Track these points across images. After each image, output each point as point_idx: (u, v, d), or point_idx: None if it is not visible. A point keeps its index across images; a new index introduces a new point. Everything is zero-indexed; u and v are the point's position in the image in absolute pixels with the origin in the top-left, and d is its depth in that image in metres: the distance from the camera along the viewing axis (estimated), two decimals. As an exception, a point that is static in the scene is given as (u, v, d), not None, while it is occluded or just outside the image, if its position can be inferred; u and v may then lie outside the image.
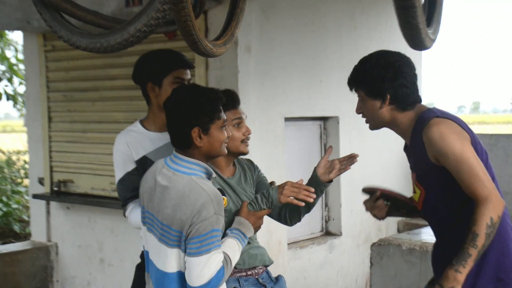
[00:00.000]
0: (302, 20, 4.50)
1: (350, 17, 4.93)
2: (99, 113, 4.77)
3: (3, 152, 9.86)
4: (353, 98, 5.28)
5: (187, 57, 2.58)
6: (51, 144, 5.13)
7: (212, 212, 2.00)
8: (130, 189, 2.48)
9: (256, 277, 2.47)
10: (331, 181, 2.50)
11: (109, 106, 4.69)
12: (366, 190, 2.56)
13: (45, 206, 5.23)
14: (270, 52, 4.24)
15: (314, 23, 4.61)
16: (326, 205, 4.96)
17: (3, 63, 9.17)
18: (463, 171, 2.08)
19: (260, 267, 2.50)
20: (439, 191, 2.21)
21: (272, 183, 2.61)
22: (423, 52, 4.99)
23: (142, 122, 2.68)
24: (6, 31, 9.11)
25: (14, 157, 9.66)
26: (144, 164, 2.47)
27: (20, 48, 9.54)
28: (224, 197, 2.43)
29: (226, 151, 2.20)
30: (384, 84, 2.24)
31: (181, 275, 2.07)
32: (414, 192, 2.32)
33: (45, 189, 5.17)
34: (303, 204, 2.34)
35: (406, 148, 2.43)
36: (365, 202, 2.56)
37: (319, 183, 2.47)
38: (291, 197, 2.32)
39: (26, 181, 7.96)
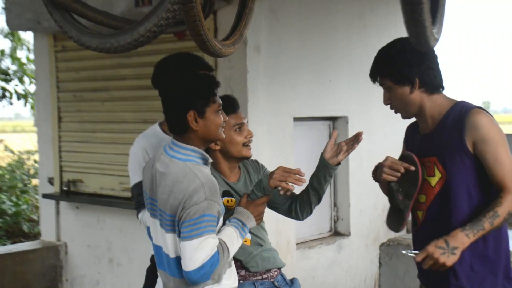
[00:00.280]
0: (311, 20, 4.50)
1: (359, 16, 4.92)
2: (108, 113, 4.79)
3: (14, 152, 9.90)
4: (362, 98, 5.26)
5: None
6: (61, 144, 5.15)
7: (202, 197, 2.00)
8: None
9: (272, 280, 2.46)
10: (339, 164, 2.49)
11: (118, 106, 4.70)
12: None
13: (54, 205, 5.26)
14: (279, 52, 4.23)
15: (323, 23, 4.60)
16: (335, 205, 4.96)
17: (14, 62, 9.23)
18: (498, 160, 2.16)
19: (275, 269, 2.50)
20: (465, 177, 2.22)
21: None
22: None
23: (161, 125, 2.69)
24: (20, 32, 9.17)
25: (24, 157, 9.70)
26: None
27: (32, 47, 9.61)
28: (232, 198, 2.43)
29: (223, 135, 2.19)
30: (412, 69, 2.25)
31: (179, 260, 2.07)
32: (430, 175, 2.29)
33: (54, 189, 5.19)
34: (293, 188, 2.32)
35: (414, 133, 2.43)
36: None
37: (327, 167, 2.46)
38: (282, 181, 2.30)
39: (36, 181, 7.99)
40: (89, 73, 4.88)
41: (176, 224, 2.04)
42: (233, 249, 2.13)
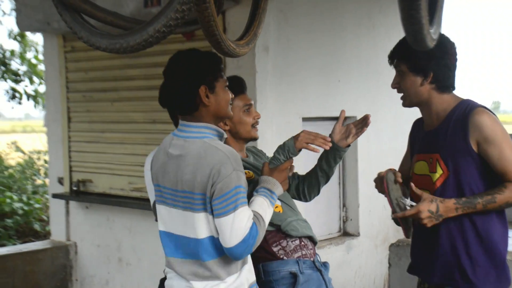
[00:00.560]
0: (320, 20, 4.49)
1: (368, 16, 4.90)
2: (117, 113, 4.81)
3: (24, 152, 9.97)
4: (371, 98, 5.24)
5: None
6: (70, 144, 5.18)
7: (231, 169, 1.97)
8: None
9: (312, 259, 2.43)
10: (348, 146, 2.48)
11: (127, 107, 4.72)
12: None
13: (64, 205, 5.28)
14: (288, 52, 4.23)
15: (332, 23, 4.60)
16: (344, 205, 4.95)
17: (23, 63, 9.29)
18: (503, 156, 2.18)
19: (311, 247, 2.46)
20: (467, 176, 2.24)
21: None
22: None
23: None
24: (27, 33, 9.23)
25: (34, 157, 9.76)
26: None
27: (40, 49, 9.67)
28: (249, 170, 2.41)
29: (232, 113, 2.19)
30: (430, 62, 2.26)
31: (213, 240, 2.03)
32: (432, 172, 2.31)
33: (64, 189, 5.22)
34: (319, 150, 2.33)
35: (419, 129, 2.45)
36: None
37: (337, 149, 2.45)
38: (308, 144, 2.32)
39: (46, 181, 8.04)
40: (98, 73, 4.90)
41: (208, 201, 2.00)
42: (267, 218, 2.09)
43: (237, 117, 2.39)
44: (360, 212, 4.90)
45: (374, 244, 5.01)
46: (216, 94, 2.10)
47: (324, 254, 4.60)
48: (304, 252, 2.41)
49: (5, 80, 9.08)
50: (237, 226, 1.95)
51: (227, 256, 2.03)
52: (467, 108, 2.25)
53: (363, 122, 2.48)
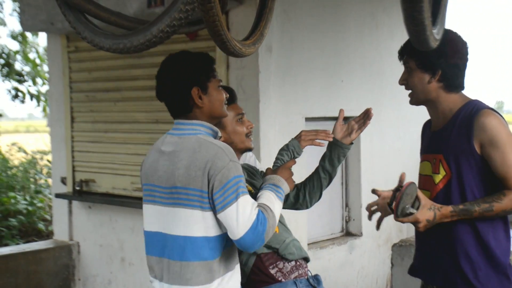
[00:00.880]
0: (323, 20, 4.49)
1: (371, 16, 4.90)
2: (121, 113, 4.81)
3: (27, 152, 9.98)
4: (374, 98, 5.24)
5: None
6: (73, 144, 5.19)
7: (227, 159, 1.95)
8: None
9: (306, 277, 2.44)
10: (352, 143, 2.48)
11: (130, 107, 4.73)
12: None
13: (67, 205, 5.29)
14: (291, 52, 4.23)
15: (335, 23, 4.59)
16: (347, 205, 4.95)
17: (27, 64, 9.31)
18: (506, 161, 2.15)
19: (305, 265, 2.47)
20: (469, 178, 2.22)
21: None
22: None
23: None
24: (27, 34, 9.26)
25: (37, 157, 9.78)
26: None
27: (41, 50, 9.70)
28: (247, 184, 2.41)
29: (227, 113, 2.19)
30: (439, 59, 2.23)
31: (207, 240, 1.98)
32: (435, 173, 2.30)
33: (67, 189, 5.23)
34: (324, 144, 2.36)
35: (427, 129, 2.44)
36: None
37: (341, 147, 2.44)
38: (312, 140, 2.36)
39: (49, 181, 8.06)
40: (101, 73, 4.90)
41: (206, 197, 1.95)
42: (276, 208, 2.03)
43: (230, 128, 2.37)
44: (363, 212, 4.89)
45: (376, 244, 5.01)
46: (209, 94, 2.10)
47: (326, 254, 4.61)
48: (300, 272, 2.43)
49: (9, 81, 9.10)
50: (242, 214, 1.91)
51: (212, 262, 1.99)
52: (474, 109, 2.22)
53: (365, 116, 2.47)
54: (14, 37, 9.37)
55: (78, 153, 5.16)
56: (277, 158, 2.36)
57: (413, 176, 5.67)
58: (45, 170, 9.25)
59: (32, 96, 9.25)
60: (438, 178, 2.28)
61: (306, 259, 2.50)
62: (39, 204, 7.72)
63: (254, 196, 2.11)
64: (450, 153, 2.24)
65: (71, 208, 5.29)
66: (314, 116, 4.46)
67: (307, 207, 2.56)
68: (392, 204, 2.23)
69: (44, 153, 9.82)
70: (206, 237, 1.98)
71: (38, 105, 9.38)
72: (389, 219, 5.66)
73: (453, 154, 2.23)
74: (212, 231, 1.99)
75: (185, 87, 2.07)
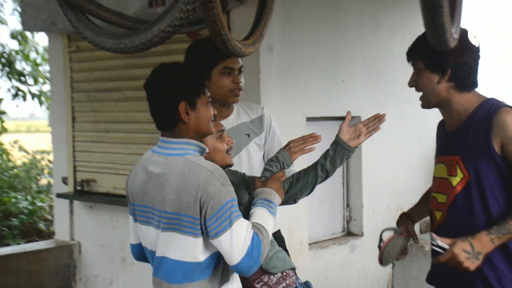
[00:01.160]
0: (324, 19, 4.49)
1: (372, 16, 4.90)
2: (122, 113, 4.82)
3: (28, 152, 9.99)
4: (376, 98, 5.23)
5: None
6: (74, 144, 5.19)
7: (218, 184, 1.89)
8: None
9: (294, 286, 2.42)
10: (357, 147, 2.41)
11: (132, 106, 4.73)
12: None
13: (68, 205, 5.29)
14: (292, 52, 4.23)
15: (336, 22, 4.59)
16: (348, 205, 4.94)
17: (28, 63, 9.32)
18: None
19: (292, 274, 2.45)
20: (489, 180, 2.13)
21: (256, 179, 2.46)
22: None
23: None
24: (27, 33, 9.27)
25: (38, 157, 9.79)
26: None
27: (40, 49, 9.70)
28: None
29: (213, 129, 2.13)
30: (448, 58, 2.15)
31: (197, 264, 1.95)
32: (452, 175, 2.21)
33: (68, 189, 5.23)
34: (314, 148, 2.37)
35: (441, 130, 2.37)
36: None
37: (346, 149, 2.37)
38: (303, 149, 2.36)
39: (51, 180, 8.06)
40: (103, 73, 4.91)
41: (199, 223, 1.91)
42: (269, 226, 2.01)
43: (211, 146, 2.28)
44: (364, 212, 4.89)
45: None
46: (196, 111, 2.02)
47: (327, 254, 4.61)
48: (287, 282, 2.41)
49: (10, 80, 9.11)
50: (236, 240, 1.88)
51: (205, 281, 1.97)
52: (492, 108, 2.13)
53: (375, 121, 2.41)
54: (14, 36, 9.37)
55: (79, 153, 5.16)
56: (265, 169, 2.31)
57: (413, 176, 5.69)
58: (46, 170, 9.26)
59: (33, 96, 9.26)
60: (456, 180, 2.19)
61: (293, 269, 2.47)
62: (40, 204, 7.73)
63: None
64: (468, 154, 2.16)
65: (72, 208, 5.29)
66: (315, 116, 4.46)
67: (294, 202, 2.45)
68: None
69: (45, 153, 9.83)
70: (196, 262, 1.96)
71: (40, 105, 9.39)
72: (390, 219, 5.65)
73: (471, 156, 2.15)
74: (202, 256, 1.96)
75: (173, 101, 2.00)
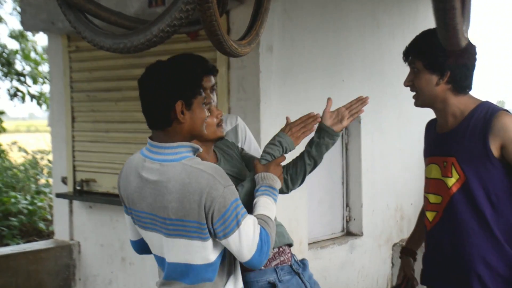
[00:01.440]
0: (324, 20, 4.49)
1: (372, 16, 4.90)
2: (121, 113, 4.81)
3: (27, 152, 9.99)
4: (375, 98, 5.22)
5: (210, 61, 2.53)
6: (74, 143, 5.19)
7: (221, 187, 1.88)
8: None
9: (289, 263, 2.42)
10: (341, 130, 2.41)
11: (131, 106, 4.72)
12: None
13: (68, 205, 5.29)
14: (292, 52, 4.23)
15: (336, 22, 4.59)
16: (347, 205, 4.94)
17: (27, 63, 9.32)
18: None
19: (288, 250, 2.45)
20: (485, 182, 2.13)
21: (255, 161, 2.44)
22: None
23: None
24: (27, 33, 9.27)
25: (38, 157, 9.79)
26: None
27: (39, 49, 9.70)
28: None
29: (206, 131, 2.09)
30: (448, 60, 2.14)
31: (208, 265, 1.97)
32: (447, 176, 2.21)
33: (68, 188, 5.23)
34: (314, 128, 2.35)
35: (431, 130, 2.37)
36: None
37: (332, 134, 2.37)
38: (305, 132, 2.34)
39: (50, 180, 8.07)
40: (102, 73, 4.90)
41: (206, 228, 1.91)
42: (274, 213, 2.05)
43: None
44: (364, 211, 4.89)
45: (377, 244, 5.01)
46: (192, 111, 1.99)
47: (327, 253, 4.61)
48: (282, 258, 2.41)
49: (10, 81, 9.12)
50: (245, 239, 1.91)
51: (215, 279, 1.99)
52: (489, 111, 2.14)
53: (358, 103, 2.40)
54: (13, 36, 9.37)
55: (79, 152, 5.16)
56: (267, 152, 2.29)
57: (413, 176, 5.69)
58: (45, 170, 9.26)
59: (32, 96, 9.26)
60: (451, 181, 2.19)
61: (290, 245, 2.47)
62: (40, 204, 7.73)
63: (235, 180, 2.12)
64: (464, 156, 2.16)
65: (71, 207, 5.29)
66: (315, 116, 4.46)
67: (287, 192, 2.45)
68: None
69: (45, 152, 9.83)
70: (208, 263, 1.98)
71: (40, 105, 9.39)
72: (389, 219, 5.66)
73: (467, 157, 2.15)
74: (213, 256, 1.98)
75: (170, 100, 1.95)
